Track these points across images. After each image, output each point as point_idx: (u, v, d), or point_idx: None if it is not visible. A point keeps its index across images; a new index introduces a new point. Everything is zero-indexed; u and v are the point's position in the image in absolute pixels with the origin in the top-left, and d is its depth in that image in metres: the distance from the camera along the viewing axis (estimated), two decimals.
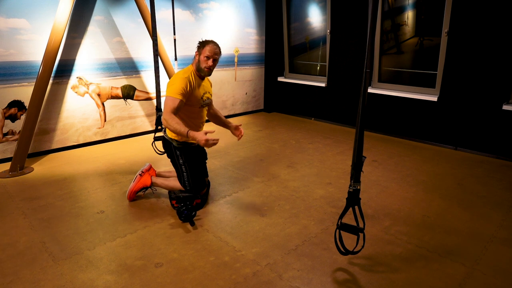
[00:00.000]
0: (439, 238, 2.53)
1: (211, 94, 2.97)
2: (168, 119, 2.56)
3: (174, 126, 2.55)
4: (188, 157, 2.83)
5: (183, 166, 2.83)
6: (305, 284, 2.06)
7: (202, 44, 2.73)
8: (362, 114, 1.99)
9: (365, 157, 2.10)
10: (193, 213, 2.72)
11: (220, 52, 2.78)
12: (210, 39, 2.83)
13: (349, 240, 2.25)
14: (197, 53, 2.75)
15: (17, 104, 3.91)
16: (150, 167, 3.11)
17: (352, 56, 5.22)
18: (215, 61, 2.75)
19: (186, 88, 2.63)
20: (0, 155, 3.91)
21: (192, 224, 2.67)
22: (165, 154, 2.99)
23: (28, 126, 3.71)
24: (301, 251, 2.36)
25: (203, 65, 2.71)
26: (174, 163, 2.89)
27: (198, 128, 2.86)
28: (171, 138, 2.81)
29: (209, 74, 2.79)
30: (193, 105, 2.75)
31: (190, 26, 5.24)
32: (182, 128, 2.55)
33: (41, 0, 3.85)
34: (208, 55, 2.70)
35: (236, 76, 6.02)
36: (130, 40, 4.66)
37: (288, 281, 2.08)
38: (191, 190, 2.86)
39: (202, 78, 2.81)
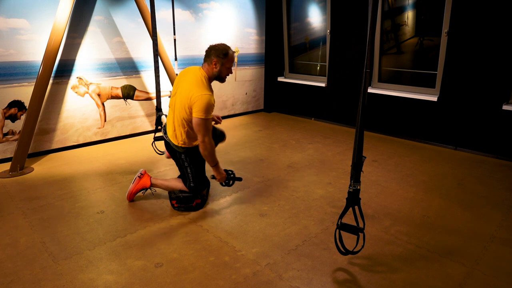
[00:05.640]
0: (439, 238, 2.53)
1: None
2: (212, 144, 2.64)
3: (213, 152, 2.69)
4: (192, 158, 2.82)
5: (188, 168, 2.83)
6: (305, 284, 2.06)
7: (225, 54, 2.63)
8: (362, 114, 1.99)
9: (365, 157, 2.10)
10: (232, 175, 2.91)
11: None
12: (221, 43, 2.71)
13: (349, 240, 2.26)
14: (216, 61, 2.62)
15: (17, 104, 3.91)
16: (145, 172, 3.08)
17: (352, 56, 5.22)
18: None
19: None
20: (0, 155, 3.91)
21: (240, 179, 2.93)
22: (164, 155, 2.98)
23: (28, 126, 3.71)
24: (301, 251, 2.36)
25: (224, 74, 2.70)
26: (178, 163, 2.89)
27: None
28: (175, 145, 2.78)
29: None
30: None
31: (190, 26, 5.24)
32: (215, 158, 2.73)
33: (41, 0, 3.85)
34: (231, 64, 2.69)
35: (236, 76, 6.02)
36: (130, 40, 4.66)
37: (288, 281, 2.08)
38: (196, 188, 2.86)
39: None
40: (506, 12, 3.82)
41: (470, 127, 4.32)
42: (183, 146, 2.76)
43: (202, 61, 2.73)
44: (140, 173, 3.02)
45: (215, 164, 2.74)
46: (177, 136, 2.74)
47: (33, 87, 3.75)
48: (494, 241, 2.49)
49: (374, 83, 5.14)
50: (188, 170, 2.83)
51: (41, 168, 3.79)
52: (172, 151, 2.86)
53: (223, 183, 2.89)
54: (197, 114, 2.53)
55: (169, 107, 2.85)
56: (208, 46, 2.71)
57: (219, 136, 3.13)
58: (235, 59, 5.92)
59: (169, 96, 5.17)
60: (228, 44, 2.75)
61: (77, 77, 4.30)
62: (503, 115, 4.04)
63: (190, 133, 2.72)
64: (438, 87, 4.49)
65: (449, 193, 3.24)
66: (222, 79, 2.74)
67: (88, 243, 2.44)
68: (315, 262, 2.25)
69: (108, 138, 4.71)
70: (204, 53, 2.71)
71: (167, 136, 2.83)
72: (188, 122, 2.65)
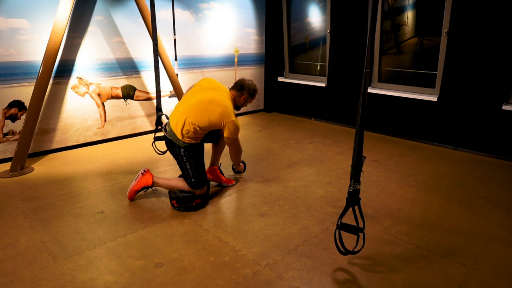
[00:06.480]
0: (439, 238, 2.53)
1: None
2: (241, 151, 3.23)
3: (241, 156, 3.28)
4: (190, 153, 2.87)
5: (187, 163, 2.88)
6: (305, 284, 2.06)
7: (254, 94, 3.12)
8: (362, 114, 1.99)
9: (365, 157, 2.10)
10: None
11: None
12: (252, 81, 3.13)
13: (349, 240, 2.26)
14: (245, 97, 3.07)
15: (17, 104, 3.91)
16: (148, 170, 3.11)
17: (352, 56, 5.22)
18: None
19: None
20: (1, 155, 3.91)
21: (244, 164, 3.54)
22: (165, 154, 3.00)
23: (28, 126, 3.71)
24: (301, 251, 2.36)
25: (243, 106, 3.14)
26: (178, 160, 2.93)
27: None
28: (178, 139, 2.83)
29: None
30: None
31: (190, 26, 5.24)
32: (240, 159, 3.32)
33: (41, 0, 3.85)
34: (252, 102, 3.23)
35: (236, 76, 6.02)
36: (130, 40, 4.66)
37: (288, 281, 2.08)
38: (197, 184, 2.88)
39: None
40: (506, 12, 3.82)
41: (470, 127, 4.32)
42: (187, 141, 2.83)
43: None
44: (144, 170, 3.04)
45: (239, 164, 3.38)
46: (183, 133, 2.82)
47: (33, 87, 3.75)
48: (494, 241, 2.49)
49: (374, 83, 5.14)
50: (188, 165, 2.87)
51: (41, 168, 3.79)
52: (172, 147, 2.89)
53: (241, 171, 3.52)
54: (229, 135, 2.90)
55: (182, 104, 2.91)
56: (240, 78, 3.18)
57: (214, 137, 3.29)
58: (235, 59, 5.93)
59: (169, 96, 5.18)
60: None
61: (77, 77, 4.30)
62: (503, 115, 4.04)
63: (197, 132, 2.84)
64: (438, 87, 4.49)
65: (449, 193, 3.24)
66: (239, 109, 3.12)
67: (88, 243, 2.44)
68: (315, 262, 2.25)
69: (108, 138, 4.72)
70: (235, 83, 3.08)
71: (170, 129, 2.87)
72: (202, 128, 2.83)
